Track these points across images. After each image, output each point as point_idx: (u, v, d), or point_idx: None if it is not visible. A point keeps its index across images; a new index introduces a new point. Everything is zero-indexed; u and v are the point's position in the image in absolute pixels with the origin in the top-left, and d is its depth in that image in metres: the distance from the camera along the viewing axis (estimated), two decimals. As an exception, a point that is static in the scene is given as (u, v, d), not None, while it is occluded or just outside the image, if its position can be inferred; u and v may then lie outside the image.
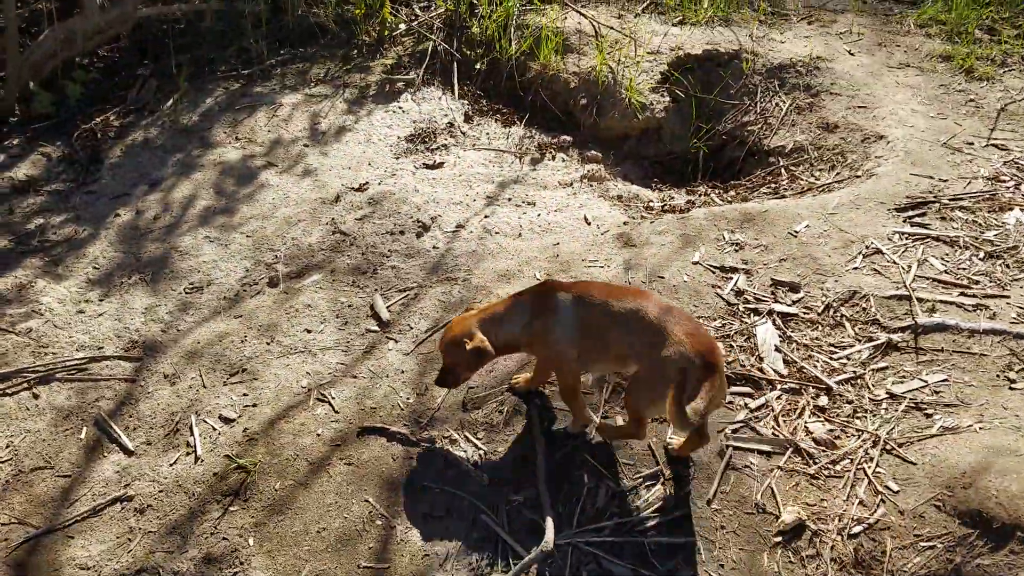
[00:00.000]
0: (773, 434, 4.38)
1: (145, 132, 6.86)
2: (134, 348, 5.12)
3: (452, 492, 4.21)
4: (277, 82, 7.43)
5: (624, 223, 5.99)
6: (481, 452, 4.42)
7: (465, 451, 4.42)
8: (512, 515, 4.10)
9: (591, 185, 6.52)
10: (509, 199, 6.32)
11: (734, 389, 4.60)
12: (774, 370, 4.76)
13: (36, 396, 4.77)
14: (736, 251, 5.55)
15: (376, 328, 5.26)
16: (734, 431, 4.37)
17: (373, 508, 4.16)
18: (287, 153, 6.72)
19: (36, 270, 5.61)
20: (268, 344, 5.13)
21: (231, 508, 4.17)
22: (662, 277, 5.36)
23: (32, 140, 6.76)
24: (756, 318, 5.07)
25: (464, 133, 7.10)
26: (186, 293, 5.52)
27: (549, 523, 3.90)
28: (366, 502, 4.20)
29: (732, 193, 6.88)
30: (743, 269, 5.40)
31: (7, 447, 4.49)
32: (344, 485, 4.28)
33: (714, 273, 5.37)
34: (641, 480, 4.21)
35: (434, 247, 5.83)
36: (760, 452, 4.30)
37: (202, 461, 4.41)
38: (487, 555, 3.92)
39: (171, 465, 4.40)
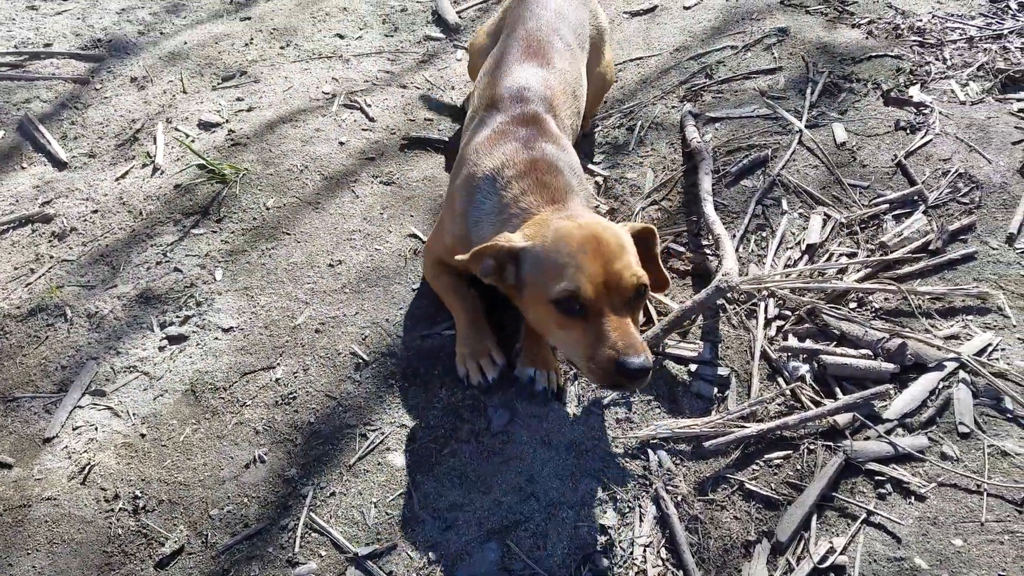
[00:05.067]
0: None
1: None
2: (96, 47, 3.53)
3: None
4: None
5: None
6: (600, 179, 2.69)
7: (571, 179, 2.69)
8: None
9: None
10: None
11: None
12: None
13: (-59, 94, 3.24)
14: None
15: (440, 35, 3.55)
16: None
17: (423, 241, 2.52)
18: None
19: (-26, -38, 4.05)
20: (282, 48, 3.48)
21: (194, 231, 2.57)
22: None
23: None
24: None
25: None
26: (175, -6, 3.88)
27: (728, 250, 2.15)
28: (413, 232, 2.55)
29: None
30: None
31: None
32: (377, 209, 2.63)
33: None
34: (886, 205, 2.40)
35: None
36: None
37: (162, 172, 2.82)
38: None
39: (117, 180, 2.83)
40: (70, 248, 2.58)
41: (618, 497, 1.82)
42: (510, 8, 2.63)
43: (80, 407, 2.07)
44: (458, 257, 1.84)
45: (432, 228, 2.36)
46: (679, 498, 1.81)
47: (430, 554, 1.72)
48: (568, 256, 1.70)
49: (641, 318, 1.92)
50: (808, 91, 2.81)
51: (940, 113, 2.64)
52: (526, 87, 2.24)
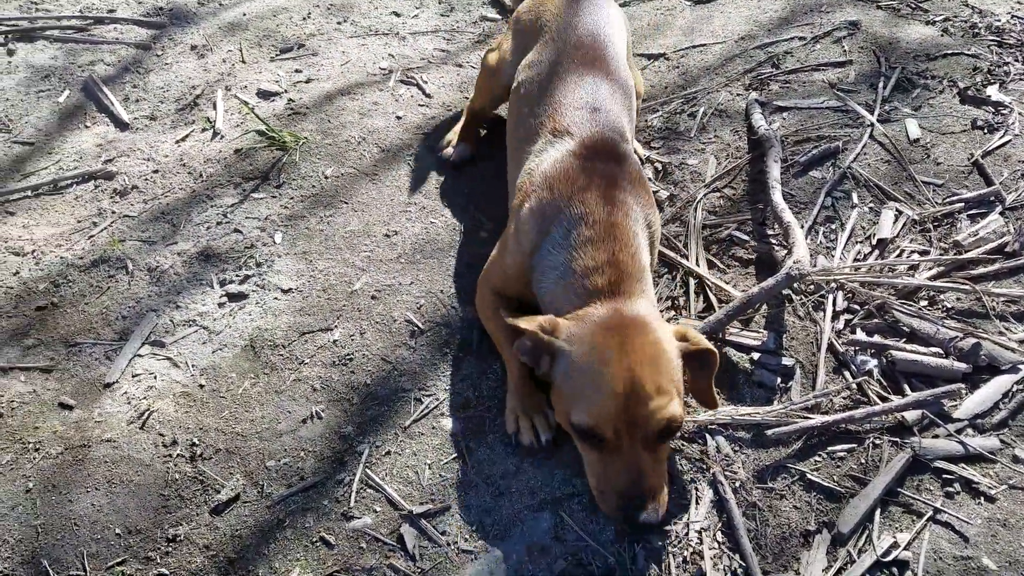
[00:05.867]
0: None
1: None
2: (158, 15, 3.57)
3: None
4: None
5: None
6: (660, 164, 2.65)
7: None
8: (713, 246, 2.34)
9: None
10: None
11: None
12: None
13: (11, 52, 3.31)
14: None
15: (495, 16, 3.54)
16: None
17: (477, 217, 2.51)
18: None
19: (48, -74, 4.12)
20: (339, 24, 3.49)
21: (254, 195, 2.58)
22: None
23: None
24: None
25: None
26: (238, -35, 3.91)
27: (798, 238, 2.10)
28: (466, 208, 2.54)
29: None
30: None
31: (-45, 102, 3.04)
32: (432, 183, 2.63)
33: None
34: (961, 204, 2.33)
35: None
36: None
37: (222, 137, 2.84)
38: (666, 293, 2.20)
39: (178, 142, 2.85)
40: (131, 205, 2.60)
41: (674, 479, 1.78)
42: (544, 16, 2.42)
43: (140, 356, 2.09)
44: (508, 320, 1.75)
45: (493, 247, 2.16)
46: (737, 484, 1.77)
47: (483, 518, 1.70)
48: (595, 386, 1.58)
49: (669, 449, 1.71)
50: (880, 85, 2.74)
51: (1020, 114, 2.56)
52: (596, 106, 2.08)
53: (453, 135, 2.73)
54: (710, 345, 1.70)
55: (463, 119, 2.75)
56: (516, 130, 2.27)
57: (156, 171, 2.73)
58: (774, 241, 2.28)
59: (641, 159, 2.55)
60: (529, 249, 1.92)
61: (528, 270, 1.92)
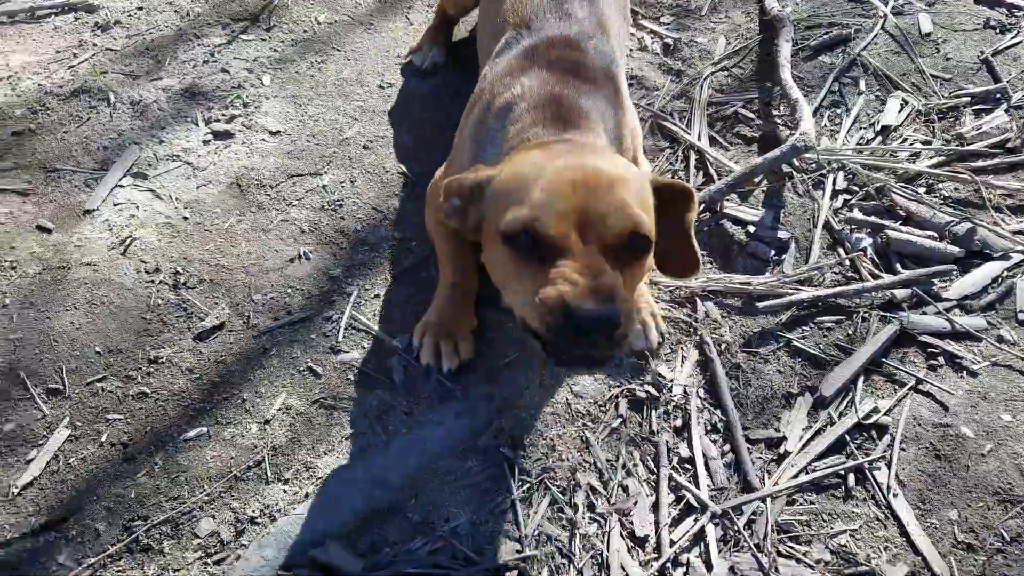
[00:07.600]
0: None
1: None
2: None
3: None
4: None
5: None
6: (670, 40, 2.56)
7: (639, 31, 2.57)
8: (718, 123, 2.29)
9: None
10: None
11: None
12: None
13: None
14: None
15: None
16: None
17: (478, 80, 2.42)
18: None
19: None
20: None
21: (243, 36, 2.46)
22: None
23: None
24: None
25: None
26: None
27: (806, 113, 2.07)
28: (472, 70, 2.45)
29: None
30: None
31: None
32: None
33: None
34: (967, 99, 2.30)
35: None
36: None
37: (210, -21, 2.67)
38: (666, 167, 2.16)
39: (162, -19, 2.68)
40: (114, 39, 2.47)
41: (663, 340, 1.78)
42: None
43: (121, 186, 2.02)
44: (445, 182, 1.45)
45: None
46: (723, 346, 1.78)
47: (472, 361, 1.69)
48: (534, 181, 1.24)
49: (644, 282, 1.32)
50: (898, -22, 2.66)
51: (1034, 17, 2.51)
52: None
53: (424, 40, 2.42)
54: (684, 183, 1.38)
55: (433, 20, 2.45)
56: (484, 29, 2.01)
57: (140, 8, 2.58)
58: (779, 121, 2.24)
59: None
60: (471, 156, 1.66)
61: None
